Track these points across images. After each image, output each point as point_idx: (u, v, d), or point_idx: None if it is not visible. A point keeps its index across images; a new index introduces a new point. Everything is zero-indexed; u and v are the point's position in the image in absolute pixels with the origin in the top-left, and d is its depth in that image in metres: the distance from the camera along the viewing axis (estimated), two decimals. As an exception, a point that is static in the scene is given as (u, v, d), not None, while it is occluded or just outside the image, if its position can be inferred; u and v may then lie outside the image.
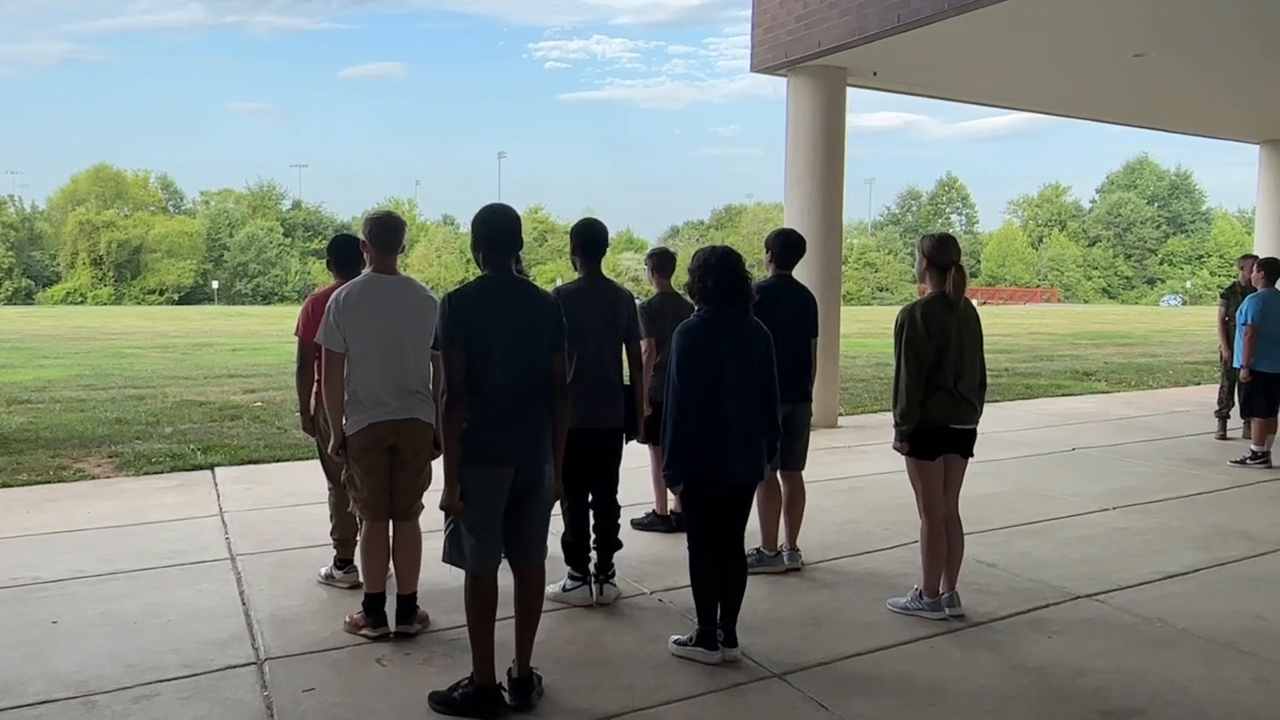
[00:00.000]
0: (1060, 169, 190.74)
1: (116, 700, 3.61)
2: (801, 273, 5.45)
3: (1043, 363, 19.32)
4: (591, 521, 4.78)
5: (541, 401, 3.53)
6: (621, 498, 4.90)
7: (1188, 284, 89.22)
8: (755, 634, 4.21)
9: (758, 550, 5.09)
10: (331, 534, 4.96)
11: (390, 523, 4.31)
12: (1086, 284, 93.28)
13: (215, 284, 79.11)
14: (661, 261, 5.96)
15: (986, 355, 4.62)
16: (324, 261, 5.86)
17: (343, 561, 4.93)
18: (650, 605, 4.70)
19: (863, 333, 26.49)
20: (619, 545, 4.85)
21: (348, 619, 4.32)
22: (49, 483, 7.47)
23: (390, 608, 4.24)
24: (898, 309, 4.58)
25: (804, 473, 5.27)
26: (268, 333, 29.98)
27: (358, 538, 4.47)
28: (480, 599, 3.50)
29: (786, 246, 5.20)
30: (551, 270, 60.50)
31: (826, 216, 10.24)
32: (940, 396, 4.36)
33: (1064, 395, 13.84)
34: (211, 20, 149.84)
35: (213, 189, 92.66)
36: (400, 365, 4.17)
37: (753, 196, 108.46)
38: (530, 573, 3.61)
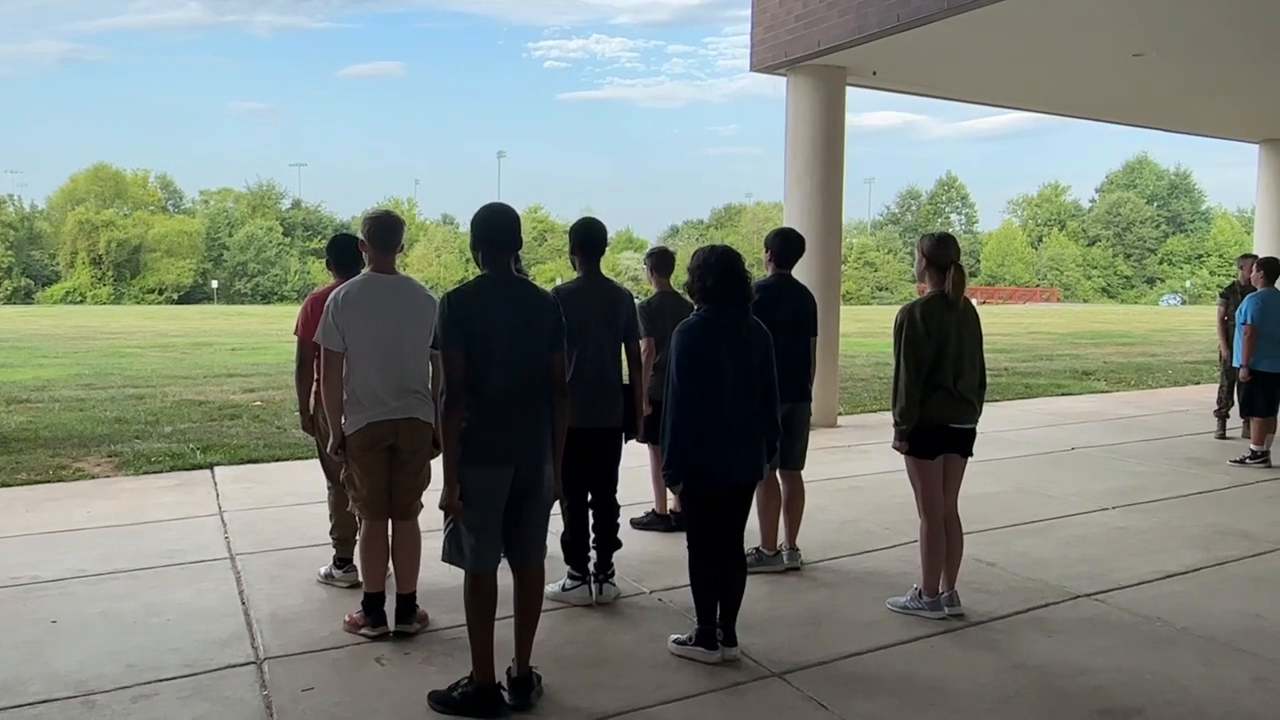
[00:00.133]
0: (1060, 168, 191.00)
1: (116, 700, 3.61)
2: (801, 272, 5.45)
3: (1042, 362, 19.32)
4: (591, 521, 4.78)
5: (541, 401, 3.53)
6: (621, 497, 4.90)
7: (1187, 283, 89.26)
8: (755, 633, 4.21)
9: (757, 549, 5.09)
10: (331, 533, 4.96)
11: (389, 522, 4.31)
12: (1086, 283, 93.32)
13: (215, 283, 79.11)
14: (661, 261, 5.96)
15: (986, 355, 4.62)
16: (323, 261, 5.86)
17: (342, 561, 4.92)
18: (650, 604, 4.70)
19: (862, 332, 26.49)
20: (618, 545, 4.85)
21: (347, 618, 4.32)
22: (48, 482, 7.47)
23: (390, 607, 4.24)
24: (897, 308, 4.58)
25: (803, 472, 5.26)
26: (267, 332, 29.98)
27: (357, 537, 4.47)
28: (480, 598, 3.50)
29: (786, 246, 5.20)
30: (551, 270, 60.47)
31: (826, 216, 10.24)
32: (940, 396, 4.36)
33: (1063, 395, 13.84)
34: (211, 20, 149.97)
35: (212, 188, 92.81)
36: (399, 364, 4.17)
37: (752, 196, 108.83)
38: (530, 572, 3.61)
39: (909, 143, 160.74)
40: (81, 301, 72.54)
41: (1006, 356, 20.15)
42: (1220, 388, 9.71)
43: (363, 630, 4.20)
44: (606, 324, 4.70)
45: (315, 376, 4.61)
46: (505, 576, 3.54)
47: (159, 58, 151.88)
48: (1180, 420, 11.00)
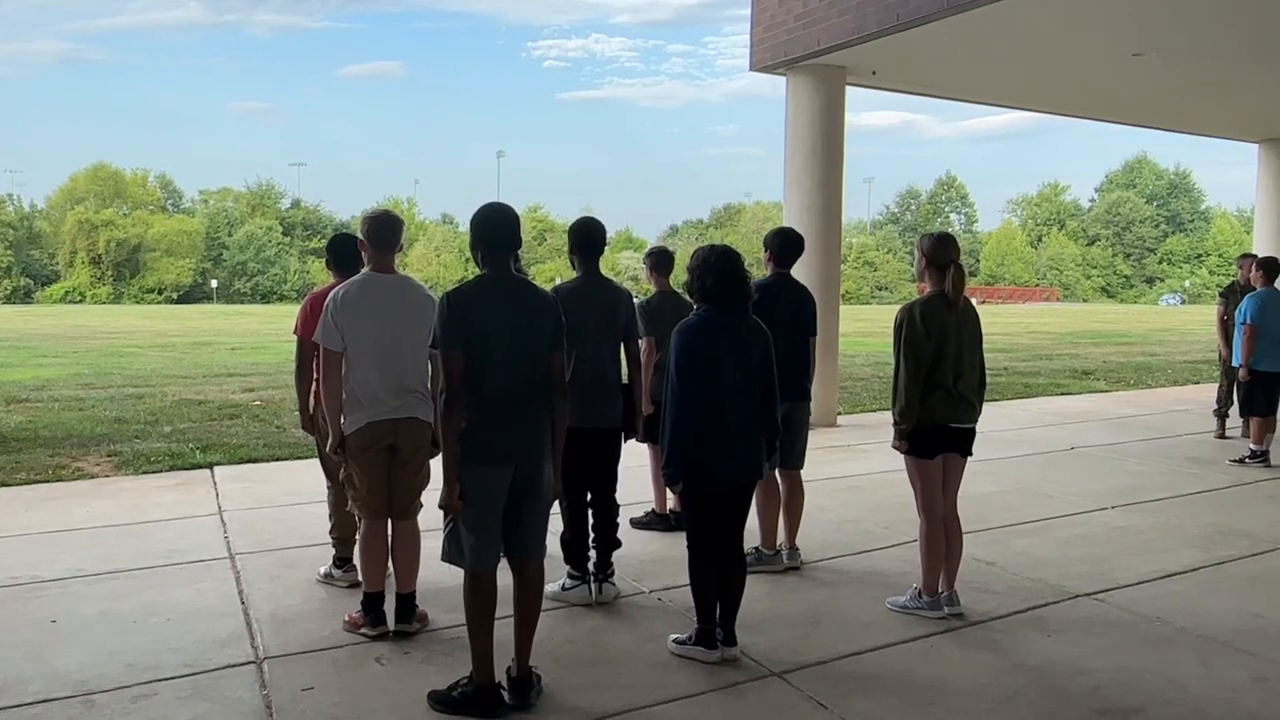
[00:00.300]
0: (1059, 168, 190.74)
1: (115, 699, 3.60)
2: (800, 271, 5.45)
3: (1042, 362, 19.32)
4: (590, 520, 4.78)
5: (540, 401, 3.53)
6: (621, 497, 4.90)
7: (1186, 283, 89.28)
8: (754, 633, 4.21)
9: (757, 549, 5.09)
10: (330, 533, 4.96)
11: (389, 522, 4.31)
12: (1085, 283, 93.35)
13: (214, 283, 79.11)
14: (660, 260, 5.96)
15: (986, 354, 4.61)
16: (323, 260, 5.86)
17: (342, 560, 4.92)
18: (649, 604, 4.70)
19: (861, 331, 26.49)
20: (618, 544, 4.85)
21: (347, 618, 4.32)
22: (48, 482, 7.46)
23: (389, 606, 4.24)
24: (897, 308, 4.58)
25: (803, 471, 5.26)
26: (267, 331, 29.97)
27: (357, 537, 4.47)
28: (479, 598, 3.50)
29: (785, 245, 5.20)
30: (551, 269, 60.45)
31: (825, 215, 10.24)
32: (939, 395, 4.36)
33: (1063, 394, 13.84)
34: (210, 19, 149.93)
35: (211, 188, 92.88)
36: (398, 364, 4.17)
37: (752, 195, 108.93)
38: (529, 572, 3.61)
39: (909, 142, 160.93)
40: (81, 301, 72.52)
41: (1006, 356, 20.15)
42: (1220, 387, 9.71)
43: (362, 630, 4.20)
44: (606, 324, 4.70)
45: (315, 376, 4.61)
46: (505, 576, 3.54)
47: (159, 57, 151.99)
48: (1180, 420, 11.01)
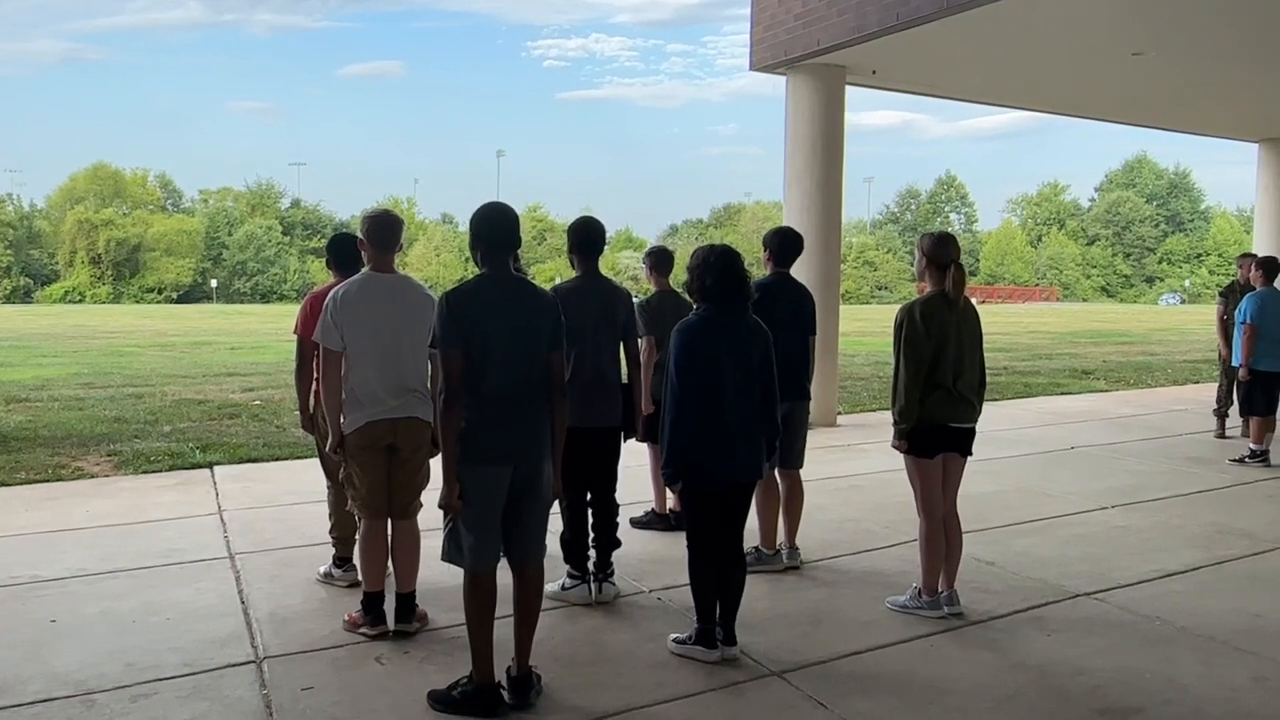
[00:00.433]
0: (1059, 167, 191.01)
1: (115, 699, 3.60)
2: (800, 271, 5.45)
3: (1041, 361, 19.32)
4: (590, 520, 4.78)
5: (540, 400, 3.53)
6: (620, 496, 4.90)
7: (1186, 282, 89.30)
8: (754, 632, 4.20)
9: (756, 549, 5.09)
10: (330, 532, 4.96)
11: (389, 521, 4.31)
12: (1085, 282, 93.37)
13: (214, 282, 79.13)
14: (660, 260, 5.96)
15: (985, 354, 4.61)
16: (323, 260, 5.86)
17: (341, 560, 4.92)
18: (649, 604, 4.70)
19: (861, 331, 26.50)
20: (618, 544, 4.85)
21: (347, 617, 4.32)
22: (47, 481, 7.46)
23: (389, 606, 4.24)
24: (896, 307, 4.58)
25: (803, 471, 5.26)
26: (266, 331, 29.97)
27: (356, 536, 4.47)
28: (479, 597, 3.49)
29: (785, 244, 5.19)
30: (550, 269, 60.49)
31: (825, 215, 10.24)
32: (939, 395, 4.36)
33: (1063, 394, 13.84)
34: (210, 19, 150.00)
35: (211, 187, 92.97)
36: (398, 363, 4.17)
37: (751, 195, 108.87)
38: (529, 571, 3.61)
39: (908, 142, 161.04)
40: (81, 301, 72.53)
41: (1006, 356, 20.15)
42: (1220, 387, 9.71)
43: (362, 629, 4.20)
44: (605, 323, 4.70)
45: (314, 375, 4.61)
46: (505, 576, 3.54)
47: (159, 57, 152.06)
48: (1180, 419, 11.00)
